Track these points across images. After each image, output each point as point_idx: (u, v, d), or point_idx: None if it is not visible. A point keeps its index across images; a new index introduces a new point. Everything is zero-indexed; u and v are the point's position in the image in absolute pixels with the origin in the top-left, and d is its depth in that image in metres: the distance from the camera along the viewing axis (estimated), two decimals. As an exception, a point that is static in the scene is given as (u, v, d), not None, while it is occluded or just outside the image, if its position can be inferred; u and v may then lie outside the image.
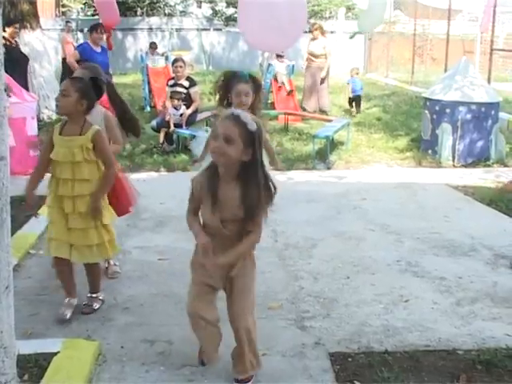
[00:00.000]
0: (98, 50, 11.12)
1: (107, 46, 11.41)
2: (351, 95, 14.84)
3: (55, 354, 3.84)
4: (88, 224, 4.39)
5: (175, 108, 10.60)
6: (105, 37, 11.45)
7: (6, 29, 11.93)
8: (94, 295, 4.73)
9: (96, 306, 4.67)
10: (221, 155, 3.34)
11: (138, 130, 5.36)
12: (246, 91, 4.93)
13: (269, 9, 6.83)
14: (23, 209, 6.54)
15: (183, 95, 10.67)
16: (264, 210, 3.50)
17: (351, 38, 11.14)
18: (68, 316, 4.50)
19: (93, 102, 4.42)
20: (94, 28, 11.12)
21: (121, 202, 5.02)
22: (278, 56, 14.40)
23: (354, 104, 14.81)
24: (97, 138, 4.33)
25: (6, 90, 3.14)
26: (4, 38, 11.66)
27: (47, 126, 12.68)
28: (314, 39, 14.54)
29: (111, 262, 5.33)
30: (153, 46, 17.05)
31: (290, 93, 14.34)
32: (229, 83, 4.97)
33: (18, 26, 12.81)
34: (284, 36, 6.99)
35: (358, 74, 15.47)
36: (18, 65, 11.69)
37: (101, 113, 4.96)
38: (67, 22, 20.66)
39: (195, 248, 3.64)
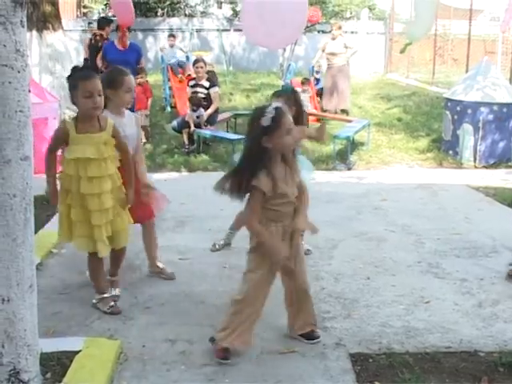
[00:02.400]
0: (122, 48, 11.23)
1: (121, 45, 11.45)
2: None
3: (77, 352, 3.87)
4: (113, 215, 4.46)
5: (194, 110, 10.60)
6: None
7: (106, 28, 12.82)
8: (113, 278, 4.85)
9: (119, 291, 4.80)
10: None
11: None
12: None
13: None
14: (45, 208, 6.64)
15: (203, 96, 10.69)
16: None
17: (402, 52, 11.09)
18: (120, 308, 4.63)
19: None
20: (117, 27, 11.34)
21: (142, 209, 5.05)
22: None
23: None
24: (115, 132, 4.40)
25: (30, 91, 3.17)
26: (101, 35, 12.49)
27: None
28: (333, 39, 14.51)
29: (160, 265, 5.34)
30: (171, 38, 16.99)
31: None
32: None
33: (112, 24, 13.46)
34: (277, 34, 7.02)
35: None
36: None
37: (134, 116, 5.06)
38: (89, 23, 20.78)
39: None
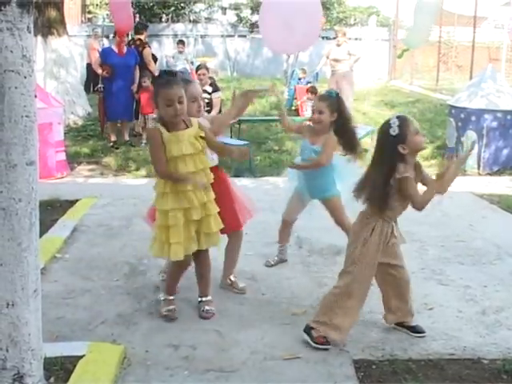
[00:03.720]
0: (121, 53, 11.32)
1: (118, 50, 11.53)
2: None
3: (81, 357, 3.87)
4: (212, 210, 4.45)
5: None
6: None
7: (144, 33, 13.08)
8: (204, 299, 4.77)
9: (213, 309, 4.70)
10: None
11: None
12: (319, 109, 5.26)
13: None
14: (49, 213, 6.66)
15: (206, 101, 10.69)
16: None
17: (399, 57, 11.12)
18: (177, 314, 4.64)
19: None
20: (115, 32, 11.50)
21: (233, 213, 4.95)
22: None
23: None
24: (202, 127, 4.41)
25: (36, 96, 3.18)
26: (140, 40, 12.72)
27: (73, 131, 12.82)
28: (338, 45, 14.54)
29: (232, 279, 5.22)
30: (180, 43, 17.15)
31: None
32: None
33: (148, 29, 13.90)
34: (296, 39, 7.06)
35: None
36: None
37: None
38: (94, 28, 20.88)
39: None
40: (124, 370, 3.89)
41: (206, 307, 4.68)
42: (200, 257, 4.66)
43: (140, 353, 4.10)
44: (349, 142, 5.37)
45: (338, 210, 5.52)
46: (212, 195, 4.45)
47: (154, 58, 13.47)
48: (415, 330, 4.41)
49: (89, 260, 5.73)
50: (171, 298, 4.72)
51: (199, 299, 4.76)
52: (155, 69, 13.13)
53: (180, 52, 16.71)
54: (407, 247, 6.23)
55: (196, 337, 4.31)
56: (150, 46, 13.36)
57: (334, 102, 5.27)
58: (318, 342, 4.17)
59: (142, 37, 12.82)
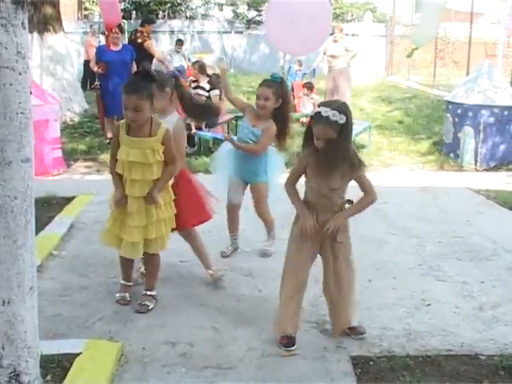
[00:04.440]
0: (116, 49, 11.31)
1: (113, 45, 11.54)
2: None
3: (78, 354, 3.86)
4: (142, 222, 4.45)
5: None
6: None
7: (146, 26, 13.43)
8: (147, 293, 4.78)
9: (151, 305, 4.70)
10: None
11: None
12: (266, 95, 5.33)
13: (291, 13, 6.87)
14: (46, 210, 6.65)
15: (204, 98, 10.69)
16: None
17: (409, 56, 11.14)
18: (128, 301, 4.75)
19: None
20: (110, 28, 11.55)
21: (192, 209, 4.96)
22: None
23: None
24: (166, 139, 4.37)
25: (31, 93, 3.17)
26: (141, 32, 13.06)
27: (69, 128, 12.80)
28: (335, 41, 14.51)
29: (211, 272, 5.23)
30: (178, 43, 17.13)
31: None
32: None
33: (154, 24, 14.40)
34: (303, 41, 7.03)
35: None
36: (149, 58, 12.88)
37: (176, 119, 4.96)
38: (91, 25, 20.86)
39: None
40: (121, 368, 3.88)
41: (145, 302, 4.71)
42: (145, 256, 4.78)
43: (137, 350, 4.09)
44: (283, 129, 5.48)
45: (262, 198, 5.67)
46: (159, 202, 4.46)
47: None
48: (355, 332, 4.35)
49: (86, 257, 5.71)
50: (124, 282, 4.83)
51: (143, 292, 4.82)
52: (159, 56, 13.32)
53: (177, 52, 16.67)
54: (404, 243, 6.26)
55: (193, 334, 4.31)
56: (111, 32, 13.43)
57: (279, 88, 5.38)
58: (282, 344, 4.12)
59: (144, 29, 12.95)
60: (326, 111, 3.88)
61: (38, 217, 3.47)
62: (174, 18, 28.36)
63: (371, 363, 3.97)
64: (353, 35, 22.94)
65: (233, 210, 5.81)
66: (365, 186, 4.21)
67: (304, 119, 13.09)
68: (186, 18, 28.61)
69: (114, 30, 11.57)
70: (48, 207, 6.91)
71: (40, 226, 5.97)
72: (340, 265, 4.27)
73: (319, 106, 4.02)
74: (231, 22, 27.65)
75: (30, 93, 3.14)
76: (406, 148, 11.39)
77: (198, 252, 5.20)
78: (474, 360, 4.02)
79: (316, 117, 3.95)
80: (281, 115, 5.43)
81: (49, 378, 3.62)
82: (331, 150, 3.96)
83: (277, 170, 5.66)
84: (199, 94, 10.68)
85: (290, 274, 4.23)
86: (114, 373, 3.79)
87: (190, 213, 4.88)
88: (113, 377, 3.75)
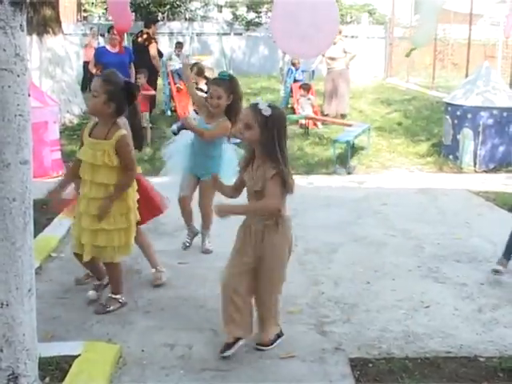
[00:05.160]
0: (115, 50, 11.32)
1: (118, 49, 11.56)
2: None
3: (76, 356, 3.86)
4: (96, 226, 4.44)
5: (196, 112, 10.60)
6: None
7: (152, 26, 13.67)
8: (112, 296, 4.77)
9: (111, 307, 4.69)
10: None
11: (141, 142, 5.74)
12: (218, 94, 5.50)
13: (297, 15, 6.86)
14: (45, 212, 6.63)
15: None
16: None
17: (407, 55, 11.12)
18: (97, 297, 4.79)
19: (122, 105, 4.41)
20: (109, 30, 11.57)
21: (146, 208, 5.00)
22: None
23: None
24: (120, 144, 4.37)
25: (30, 95, 3.16)
26: (148, 34, 13.21)
27: (69, 130, 12.79)
28: (334, 43, 14.50)
29: (152, 271, 5.28)
30: (178, 46, 17.14)
31: None
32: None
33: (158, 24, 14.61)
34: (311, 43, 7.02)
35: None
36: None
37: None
38: (92, 27, 20.90)
39: None
40: (119, 370, 3.88)
41: (107, 303, 4.72)
42: (104, 263, 4.80)
43: (136, 352, 4.09)
44: (235, 122, 5.58)
45: (208, 192, 5.71)
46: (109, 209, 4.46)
47: (160, 54, 13.61)
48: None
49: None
50: (96, 282, 4.95)
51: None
52: (159, 64, 13.30)
53: (177, 55, 16.66)
54: (403, 245, 6.26)
55: (192, 336, 4.30)
56: (156, 41, 13.55)
57: (229, 84, 5.52)
58: (229, 345, 4.07)
59: (150, 31, 13.01)
60: (258, 101, 3.94)
61: (36, 219, 3.46)
62: (174, 19, 28.36)
63: (370, 365, 3.96)
64: (352, 37, 22.94)
65: (184, 202, 5.95)
66: (267, 194, 3.92)
67: (303, 121, 13.10)
68: (186, 19, 28.61)
69: (112, 32, 11.59)
70: (47, 209, 6.89)
71: (39, 228, 5.97)
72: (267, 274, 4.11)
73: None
74: (230, 23, 27.63)
75: (29, 95, 3.14)
76: (405, 150, 11.39)
77: (143, 248, 5.26)
78: (473, 362, 4.02)
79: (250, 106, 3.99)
80: (234, 110, 5.57)
81: (47, 380, 3.63)
82: (250, 139, 3.95)
83: (230, 169, 5.61)
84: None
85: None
86: (113, 375, 3.79)
87: (141, 211, 4.86)
88: (111, 379, 3.75)
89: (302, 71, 15.89)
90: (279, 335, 4.20)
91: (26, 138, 3.08)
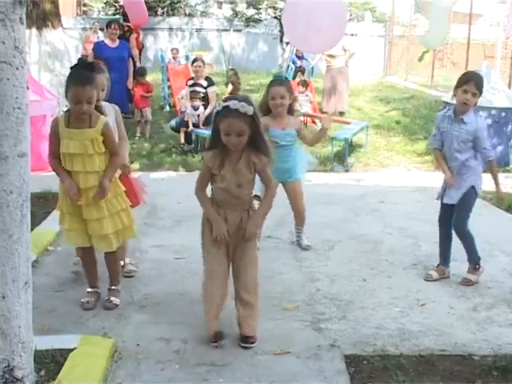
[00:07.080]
0: (114, 45, 11.35)
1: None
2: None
3: (72, 350, 3.86)
4: (102, 214, 4.45)
5: (194, 108, 10.62)
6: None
7: None
8: (113, 287, 4.79)
9: (117, 300, 4.70)
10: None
11: None
12: (281, 94, 5.63)
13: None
14: (42, 205, 6.64)
15: (202, 95, 10.70)
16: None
17: (420, 60, 11.12)
18: (92, 305, 4.63)
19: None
20: (108, 24, 11.62)
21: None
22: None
23: None
24: (106, 131, 4.39)
25: (28, 88, 3.16)
26: (129, 26, 13.54)
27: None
28: (333, 42, 14.50)
29: (127, 261, 5.34)
30: (174, 52, 17.10)
31: None
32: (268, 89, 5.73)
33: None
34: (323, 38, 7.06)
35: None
36: None
37: (112, 107, 5.04)
38: (93, 22, 20.90)
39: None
40: (115, 364, 3.88)
41: (111, 297, 4.72)
42: (104, 254, 4.78)
43: (131, 346, 4.10)
44: None
45: (301, 193, 5.98)
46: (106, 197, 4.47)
47: (142, 46, 13.74)
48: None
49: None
50: (90, 290, 4.79)
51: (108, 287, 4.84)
52: (137, 55, 13.35)
53: (174, 58, 16.62)
54: (400, 243, 6.27)
55: (187, 331, 4.31)
56: (137, 33, 13.62)
57: (289, 85, 5.85)
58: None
59: (130, 24, 13.20)
60: (234, 104, 3.86)
61: (34, 212, 3.48)
62: (173, 15, 28.32)
63: (365, 362, 3.97)
64: (352, 35, 22.93)
65: None
66: (268, 180, 4.13)
67: (301, 118, 13.09)
68: (185, 15, 28.58)
69: (112, 27, 11.62)
70: (44, 202, 6.89)
71: (36, 221, 5.97)
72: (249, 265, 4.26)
73: (224, 101, 4.00)
74: (230, 19, 27.60)
75: (28, 88, 3.14)
76: (403, 148, 11.39)
77: None
78: (468, 360, 4.03)
79: (224, 111, 3.90)
80: (292, 110, 5.88)
81: (43, 372, 3.63)
82: (243, 143, 3.95)
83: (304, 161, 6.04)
84: (197, 91, 10.67)
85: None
86: (108, 369, 3.80)
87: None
88: (107, 372, 3.75)
89: (303, 59, 15.91)
90: None
91: (25, 130, 3.09)
